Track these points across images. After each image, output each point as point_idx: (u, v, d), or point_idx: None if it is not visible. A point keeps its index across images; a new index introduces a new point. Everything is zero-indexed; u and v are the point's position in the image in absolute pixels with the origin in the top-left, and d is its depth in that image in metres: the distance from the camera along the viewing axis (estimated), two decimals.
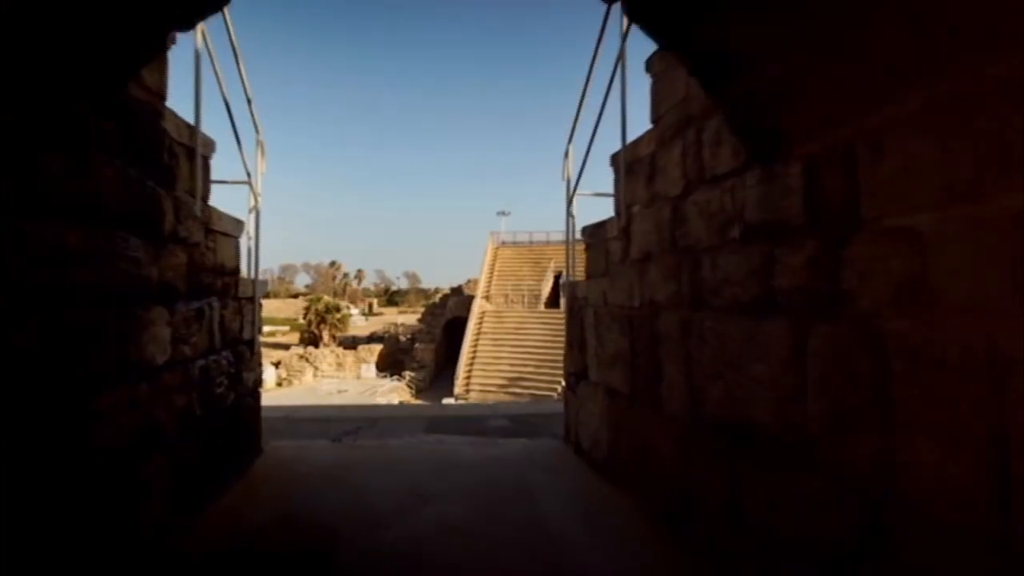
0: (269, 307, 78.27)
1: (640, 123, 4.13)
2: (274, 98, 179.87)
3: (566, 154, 5.35)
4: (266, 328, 66.83)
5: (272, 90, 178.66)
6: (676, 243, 3.62)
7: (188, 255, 3.62)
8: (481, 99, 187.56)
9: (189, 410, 3.61)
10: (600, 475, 4.46)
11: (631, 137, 4.45)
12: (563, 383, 5.94)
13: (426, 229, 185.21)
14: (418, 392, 39.10)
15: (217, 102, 4.32)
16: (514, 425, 6.48)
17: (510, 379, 36.44)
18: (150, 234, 3.17)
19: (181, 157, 3.61)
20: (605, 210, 4.96)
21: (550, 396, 34.37)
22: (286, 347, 53.01)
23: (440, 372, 43.42)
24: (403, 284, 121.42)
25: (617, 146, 4.56)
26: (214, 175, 4.12)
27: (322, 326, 51.98)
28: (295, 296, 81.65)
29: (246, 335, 4.69)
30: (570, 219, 5.56)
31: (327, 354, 44.18)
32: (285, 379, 39.77)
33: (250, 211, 4.88)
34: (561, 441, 5.54)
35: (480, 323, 42.01)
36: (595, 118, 4.75)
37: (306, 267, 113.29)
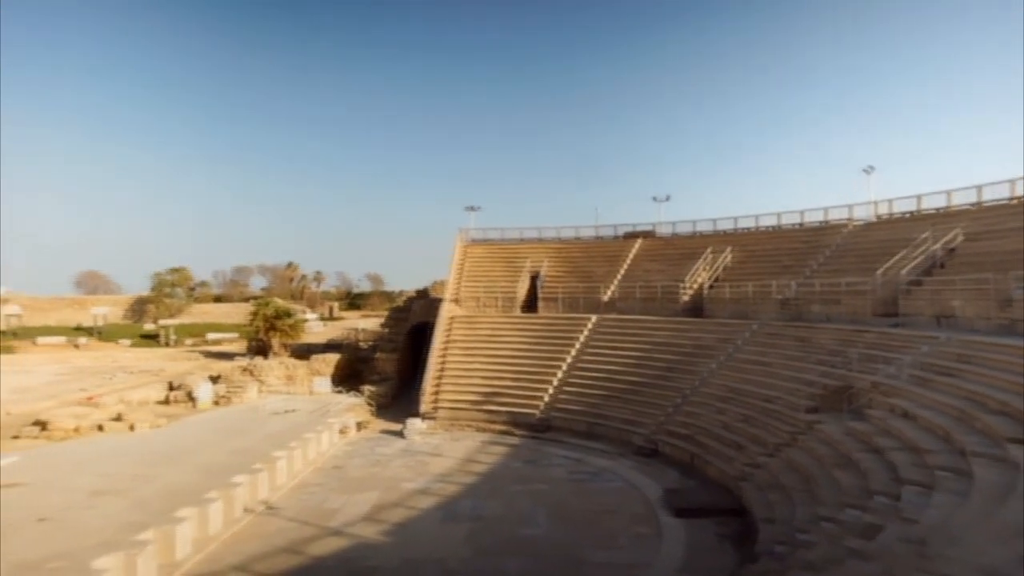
0: (216, 312, 71.72)
1: None
2: (233, 94, 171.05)
3: None
4: (211, 335, 60.60)
5: (234, 85, 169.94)
6: None
7: None
8: (448, 95, 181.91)
9: None
10: None
11: None
12: None
13: (390, 228, 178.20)
14: (379, 409, 34.00)
15: None
16: None
17: (485, 394, 31.67)
18: None
19: None
20: None
21: (531, 414, 29.72)
22: (231, 357, 47.18)
23: (404, 385, 38.44)
24: (366, 286, 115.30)
25: None
26: None
27: (271, 333, 46.26)
28: (247, 300, 75.21)
29: None
30: None
31: (275, 366, 38.71)
32: (224, 396, 34.20)
33: None
34: None
35: (449, 329, 37.15)
36: None
37: (262, 269, 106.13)
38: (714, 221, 40.85)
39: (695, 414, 24.81)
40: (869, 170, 36.56)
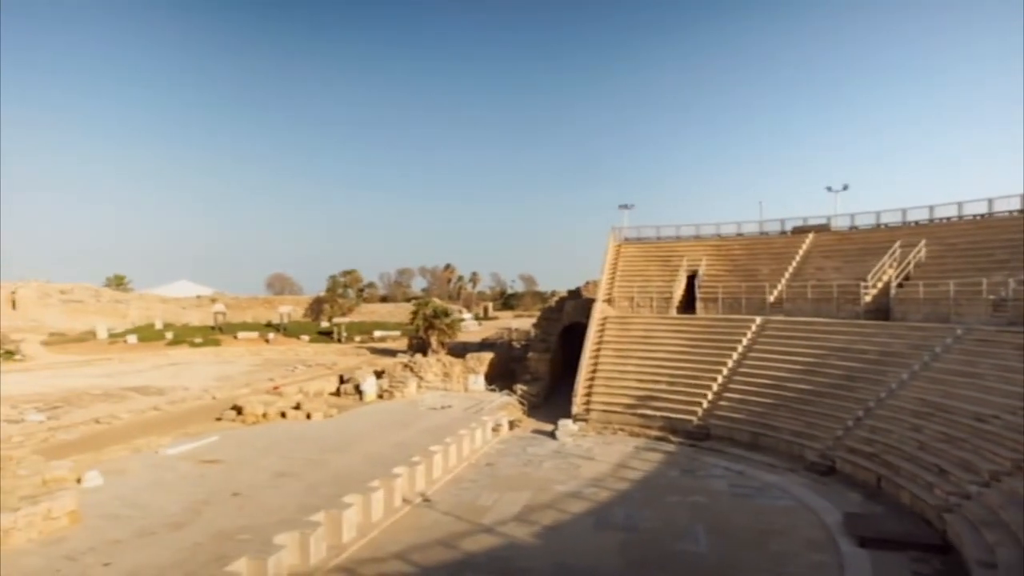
0: (381, 311, 77.19)
1: None
2: (382, 107, 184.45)
3: None
4: (377, 333, 65.20)
5: (378, 100, 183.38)
6: None
7: None
8: (596, 92, 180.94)
9: None
10: None
11: None
12: None
13: (544, 230, 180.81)
14: (531, 409, 34.10)
15: None
16: None
17: (639, 398, 30.48)
18: None
19: None
20: None
21: (688, 420, 28.01)
22: (393, 353, 50.34)
23: (555, 385, 38.24)
24: (519, 287, 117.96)
25: None
26: None
27: (430, 332, 48.61)
28: (409, 300, 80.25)
29: None
30: None
31: (433, 363, 40.45)
32: (386, 391, 36.38)
33: None
34: None
35: (601, 330, 36.35)
36: None
37: (422, 271, 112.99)
38: (903, 211, 35.81)
39: (882, 430, 21.73)
40: None
